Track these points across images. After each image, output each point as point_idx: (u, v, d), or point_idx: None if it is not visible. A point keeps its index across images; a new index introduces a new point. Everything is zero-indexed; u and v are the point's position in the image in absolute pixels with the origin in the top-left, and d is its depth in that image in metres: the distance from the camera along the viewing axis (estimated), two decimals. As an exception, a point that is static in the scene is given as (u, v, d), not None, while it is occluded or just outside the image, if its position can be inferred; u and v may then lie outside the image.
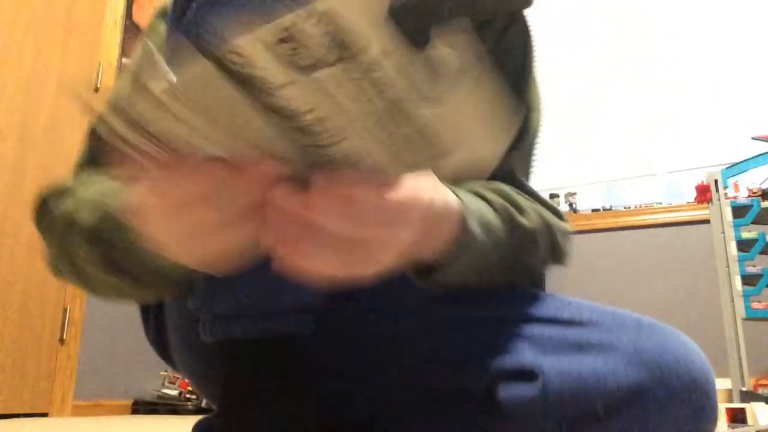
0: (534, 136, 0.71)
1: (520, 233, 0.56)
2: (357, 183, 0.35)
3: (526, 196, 0.63)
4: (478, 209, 0.51)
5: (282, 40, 0.26)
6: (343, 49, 0.27)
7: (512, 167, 0.67)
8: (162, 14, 0.65)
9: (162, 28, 0.63)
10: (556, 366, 0.55)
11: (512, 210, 0.56)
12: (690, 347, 0.55)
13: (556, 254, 0.63)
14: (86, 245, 0.49)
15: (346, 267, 0.37)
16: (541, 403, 0.54)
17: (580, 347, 0.56)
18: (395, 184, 0.38)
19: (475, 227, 0.49)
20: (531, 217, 0.58)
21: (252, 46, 0.27)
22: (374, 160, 0.33)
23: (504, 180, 0.64)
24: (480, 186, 0.56)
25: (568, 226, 0.65)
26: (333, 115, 0.30)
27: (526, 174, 0.70)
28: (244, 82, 0.28)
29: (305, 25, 0.26)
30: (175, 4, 0.56)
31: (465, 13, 0.67)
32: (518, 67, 0.70)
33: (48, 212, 0.54)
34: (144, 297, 0.56)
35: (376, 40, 0.27)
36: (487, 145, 0.34)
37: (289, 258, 0.36)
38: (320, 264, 0.36)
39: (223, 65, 0.27)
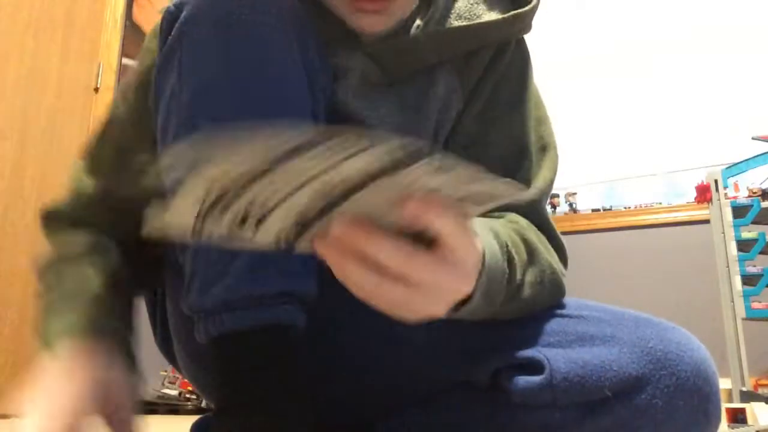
0: (555, 172, 0.73)
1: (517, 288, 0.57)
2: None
3: (540, 235, 0.64)
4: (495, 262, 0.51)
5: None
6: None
7: (540, 199, 0.68)
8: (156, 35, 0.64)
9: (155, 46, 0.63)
10: (561, 355, 0.56)
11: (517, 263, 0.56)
12: (689, 337, 0.56)
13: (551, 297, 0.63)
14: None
15: (401, 306, 0.39)
16: (550, 391, 0.55)
17: (582, 340, 0.57)
18: (467, 242, 0.40)
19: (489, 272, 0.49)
20: (535, 269, 0.59)
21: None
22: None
23: (530, 210, 0.67)
24: (506, 227, 0.57)
25: (563, 268, 0.65)
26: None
27: (545, 203, 0.72)
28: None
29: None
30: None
31: (441, 49, 0.67)
32: (514, 94, 0.71)
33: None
34: None
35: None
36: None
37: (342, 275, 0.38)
38: (376, 296, 0.39)
39: None
